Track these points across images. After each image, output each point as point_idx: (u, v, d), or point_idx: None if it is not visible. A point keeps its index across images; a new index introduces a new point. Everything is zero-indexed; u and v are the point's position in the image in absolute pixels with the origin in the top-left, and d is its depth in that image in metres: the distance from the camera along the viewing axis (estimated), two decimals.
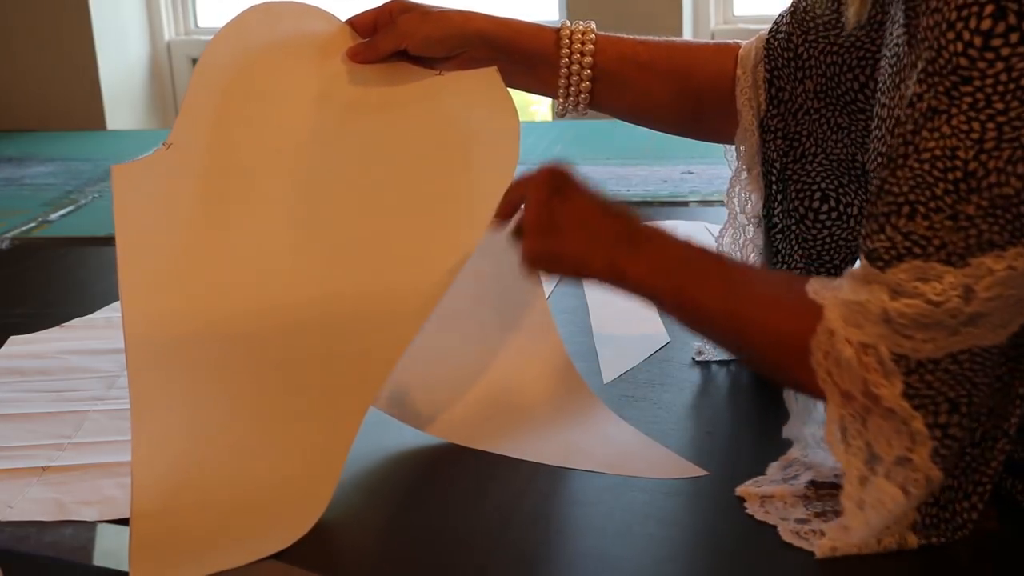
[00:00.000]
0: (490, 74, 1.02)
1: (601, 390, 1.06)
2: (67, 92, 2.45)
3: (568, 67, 1.03)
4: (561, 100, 1.06)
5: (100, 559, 0.85)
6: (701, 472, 0.91)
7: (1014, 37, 0.67)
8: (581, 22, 1.04)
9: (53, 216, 1.72)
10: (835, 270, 1.03)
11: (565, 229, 0.85)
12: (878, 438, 0.75)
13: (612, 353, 1.14)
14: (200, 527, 0.85)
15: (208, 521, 0.86)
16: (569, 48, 1.03)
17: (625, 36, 1.05)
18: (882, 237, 0.73)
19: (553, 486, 0.92)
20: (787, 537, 0.81)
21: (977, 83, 0.69)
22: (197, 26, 2.63)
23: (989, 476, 0.79)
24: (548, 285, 1.33)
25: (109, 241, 1.54)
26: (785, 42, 1.01)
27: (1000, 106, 0.68)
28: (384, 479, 0.93)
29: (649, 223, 0.85)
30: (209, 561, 0.81)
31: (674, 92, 1.05)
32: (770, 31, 1.03)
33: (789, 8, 1.02)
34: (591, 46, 1.03)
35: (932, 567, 0.79)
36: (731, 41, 1.07)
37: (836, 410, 0.76)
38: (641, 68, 1.04)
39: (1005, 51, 0.67)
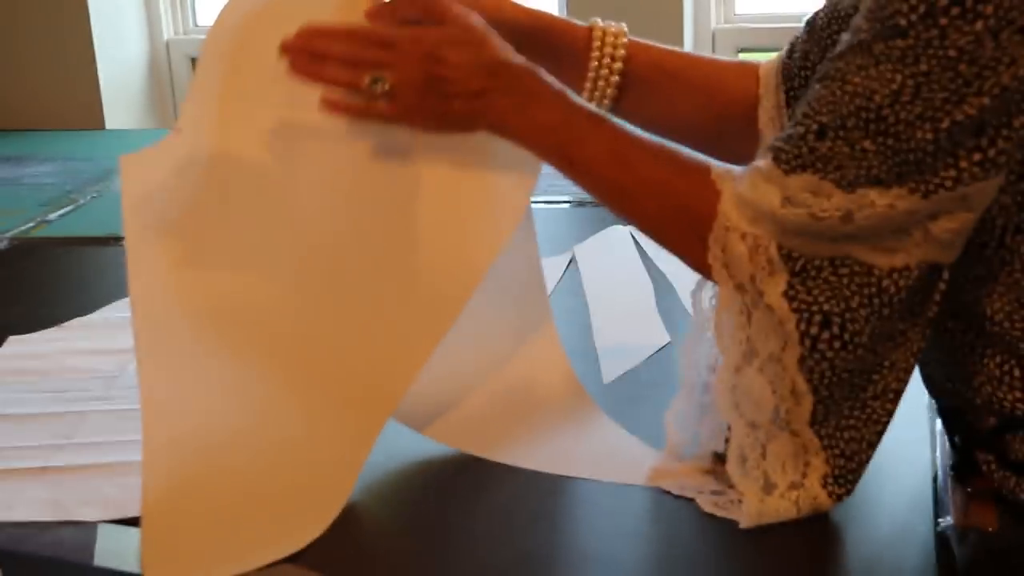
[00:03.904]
0: None
1: (601, 391, 1.06)
2: (66, 91, 2.45)
3: (597, 70, 1.01)
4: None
5: (100, 559, 0.85)
6: None
7: (955, 11, 0.72)
8: (612, 23, 1.02)
9: (52, 216, 1.72)
10: None
11: (449, 92, 0.86)
12: (758, 333, 0.80)
13: (612, 353, 1.14)
14: (212, 528, 0.85)
15: (220, 521, 0.85)
16: (600, 51, 1.01)
17: (654, 43, 1.03)
18: (792, 143, 0.78)
19: (553, 486, 0.92)
20: (708, 508, 0.85)
21: (911, 40, 0.74)
22: (196, 25, 2.63)
23: (880, 428, 0.82)
24: (548, 285, 1.33)
25: (108, 241, 1.55)
26: (801, 61, 0.99)
27: (924, 67, 0.74)
28: (385, 479, 0.93)
29: (538, 78, 0.88)
30: (222, 562, 0.81)
31: (698, 106, 1.04)
32: (785, 53, 1.02)
33: (804, 27, 1.00)
34: (623, 51, 1.01)
35: (931, 563, 0.80)
36: (753, 60, 1.05)
37: (727, 300, 0.82)
38: (669, 78, 1.03)
39: (943, 21, 0.73)
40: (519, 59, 0.88)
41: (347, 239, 0.94)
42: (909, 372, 0.82)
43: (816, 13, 0.98)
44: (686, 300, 1.22)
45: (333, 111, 0.88)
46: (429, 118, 0.88)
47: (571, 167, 0.87)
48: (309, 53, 0.87)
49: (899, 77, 0.74)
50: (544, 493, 0.91)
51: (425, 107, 0.87)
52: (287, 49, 0.87)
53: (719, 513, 0.84)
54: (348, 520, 0.86)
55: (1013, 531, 0.82)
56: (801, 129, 0.78)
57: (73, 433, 1.01)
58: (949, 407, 0.88)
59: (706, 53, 1.06)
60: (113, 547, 0.86)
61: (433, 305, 0.91)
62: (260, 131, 0.93)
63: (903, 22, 0.74)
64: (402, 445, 0.97)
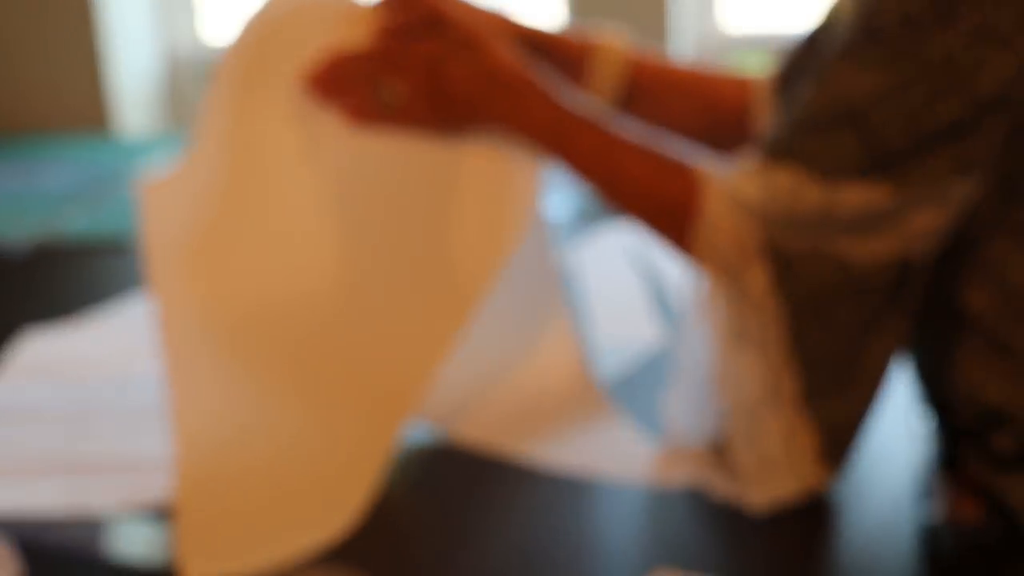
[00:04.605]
0: None
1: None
2: (76, 96, 2.47)
3: (595, 91, 1.01)
4: None
5: (118, 553, 0.86)
6: None
7: (932, 19, 0.76)
8: (611, 36, 1.02)
9: (65, 219, 1.73)
10: None
11: (452, 100, 0.92)
12: (744, 318, 0.84)
13: (612, 353, 1.15)
14: (243, 522, 0.87)
15: (250, 515, 0.88)
16: (596, 73, 1.01)
17: (653, 54, 1.04)
18: (775, 139, 0.82)
19: (553, 485, 0.93)
20: (719, 496, 0.87)
21: (889, 47, 0.77)
22: (204, 31, 2.64)
23: (866, 407, 0.85)
24: None
25: (121, 243, 1.56)
26: (800, 68, 0.98)
27: (901, 72, 0.77)
28: (389, 476, 0.93)
29: (531, 82, 0.91)
30: (259, 552, 0.84)
31: (696, 119, 1.04)
32: (784, 65, 1.00)
33: (806, 37, 0.98)
34: (619, 71, 1.01)
35: (916, 558, 0.81)
36: (751, 72, 1.06)
37: (714, 289, 0.85)
38: (666, 91, 1.03)
39: (920, 29, 0.76)
40: (517, 61, 0.92)
41: (368, 244, 0.96)
42: (893, 356, 0.85)
43: (818, 28, 0.99)
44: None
45: (352, 124, 0.93)
46: (438, 126, 0.93)
47: (565, 166, 0.92)
48: (327, 82, 0.92)
49: (878, 80, 0.78)
50: (544, 492, 0.92)
51: (433, 116, 0.92)
52: (307, 83, 0.92)
53: (731, 500, 0.86)
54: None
55: (998, 526, 0.84)
56: (784, 126, 0.82)
57: (89, 429, 1.03)
58: (934, 401, 0.90)
59: (705, 57, 1.08)
60: (130, 541, 0.88)
61: (456, 302, 0.93)
62: (275, 143, 0.95)
63: (883, 28, 0.77)
64: (405, 442, 0.97)
